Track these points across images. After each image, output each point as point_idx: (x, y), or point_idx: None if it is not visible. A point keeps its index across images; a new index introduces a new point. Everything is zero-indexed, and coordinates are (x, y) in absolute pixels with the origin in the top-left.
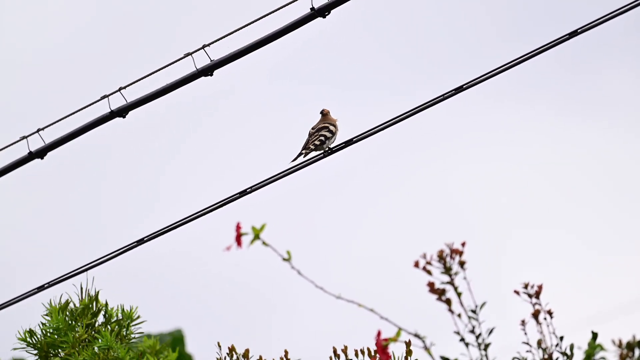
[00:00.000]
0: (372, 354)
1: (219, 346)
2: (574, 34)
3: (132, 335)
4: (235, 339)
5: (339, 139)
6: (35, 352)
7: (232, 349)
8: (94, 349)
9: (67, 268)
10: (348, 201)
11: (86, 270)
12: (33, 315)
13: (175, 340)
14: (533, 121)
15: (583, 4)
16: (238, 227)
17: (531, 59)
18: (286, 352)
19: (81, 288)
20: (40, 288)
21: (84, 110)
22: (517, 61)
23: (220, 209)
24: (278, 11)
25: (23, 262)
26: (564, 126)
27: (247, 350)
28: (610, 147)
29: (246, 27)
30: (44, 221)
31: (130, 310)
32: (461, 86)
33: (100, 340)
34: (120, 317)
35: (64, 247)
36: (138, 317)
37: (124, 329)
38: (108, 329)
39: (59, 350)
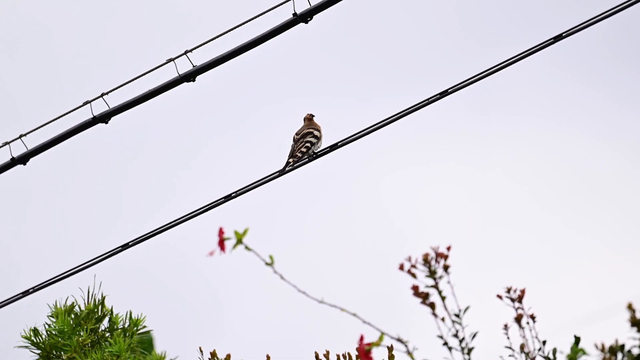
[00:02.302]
0: (355, 358)
1: (201, 351)
2: (558, 37)
3: (136, 344)
4: (211, 343)
5: (324, 144)
6: (39, 351)
7: (213, 354)
8: (103, 352)
9: (55, 271)
10: (330, 204)
11: (73, 273)
12: (32, 315)
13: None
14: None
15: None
16: (221, 232)
17: (508, 66)
18: (268, 357)
19: (88, 291)
20: (25, 293)
21: (66, 115)
22: (497, 68)
23: (205, 213)
24: (260, 17)
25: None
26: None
27: (228, 355)
28: (578, 153)
29: (229, 33)
30: (28, 225)
31: (138, 318)
32: (446, 90)
33: (109, 345)
34: (127, 325)
35: (47, 252)
36: (144, 326)
37: (129, 336)
38: (114, 335)
39: (62, 352)
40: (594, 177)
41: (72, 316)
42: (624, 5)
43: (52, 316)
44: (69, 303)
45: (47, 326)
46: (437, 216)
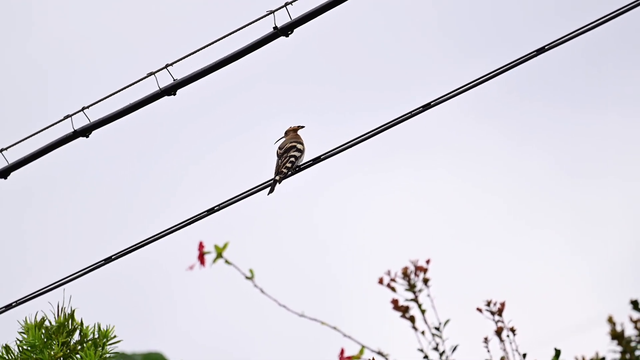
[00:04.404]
0: None
1: None
2: (541, 50)
3: (107, 355)
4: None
5: (306, 157)
6: None
7: None
8: None
9: (35, 286)
10: (314, 217)
11: (55, 288)
12: (3, 333)
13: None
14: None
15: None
16: (201, 246)
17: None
18: None
19: (57, 306)
20: (8, 307)
21: (47, 129)
22: (481, 79)
23: (189, 227)
24: (241, 30)
25: None
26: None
27: None
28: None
29: (209, 47)
30: (10, 240)
31: (107, 329)
32: (428, 103)
33: (79, 356)
34: (97, 336)
35: (33, 265)
36: (114, 336)
37: (100, 348)
38: (84, 347)
39: None
40: (540, 183)
41: (43, 331)
42: (612, 15)
43: (22, 332)
44: (38, 318)
45: (18, 342)
46: (413, 230)
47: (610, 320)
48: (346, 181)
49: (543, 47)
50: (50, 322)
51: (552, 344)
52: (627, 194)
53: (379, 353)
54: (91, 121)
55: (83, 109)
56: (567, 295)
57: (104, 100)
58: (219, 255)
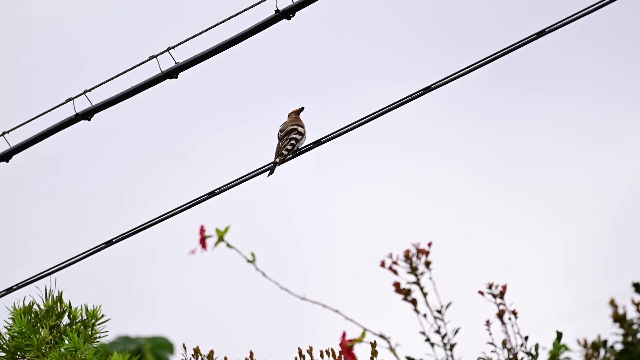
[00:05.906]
0: (338, 354)
1: (184, 347)
2: (542, 33)
3: (98, 335)
4: (198, 340)
5: (308, 139)
6: (3, 354)
7: (197, 350)
8: (60, 350)
9: (33, 270)
10: (313, 200)
11: (55, 271)
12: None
13: (158, 347)
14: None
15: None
16: (202, 230)
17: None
18: (251, 353)
19: (45, 290)
20: (9, 290)
21: (49, 113)
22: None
23: (190, 210)
24: (243, 13)
25: None
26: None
27: (211, 352)
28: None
29: (211, 30)
30: (9, 223)
31: (94, 309)
32: (429, 86)
33: (66, 342)
34: (85, 317)
35: (31, 249)
36: (102, 315)
37: (89, 329)
38: (73, 329)
39: (25, 353)
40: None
41: (32, 315)
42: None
43: (11, 318)
44: (27, 303)
45: (6, 329)
46: (414, 213)
47: (612, 303)
48: (341, 165)
49: (543, 30)
50: (39, 307)
51: (554, 327)
52: (612, 174)
53: (381, 336)
54: (93, 104)
55: (85, 92)
56: (567, 279)
57: (106, 84)
58: (221, 239)
